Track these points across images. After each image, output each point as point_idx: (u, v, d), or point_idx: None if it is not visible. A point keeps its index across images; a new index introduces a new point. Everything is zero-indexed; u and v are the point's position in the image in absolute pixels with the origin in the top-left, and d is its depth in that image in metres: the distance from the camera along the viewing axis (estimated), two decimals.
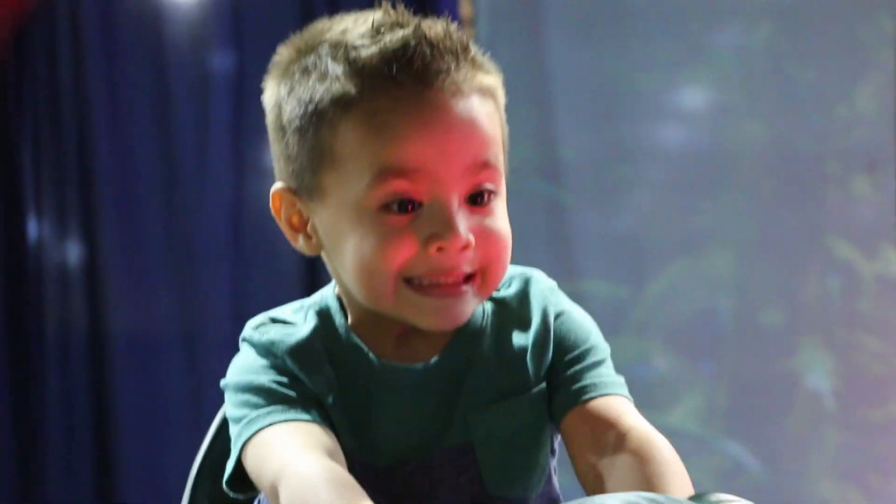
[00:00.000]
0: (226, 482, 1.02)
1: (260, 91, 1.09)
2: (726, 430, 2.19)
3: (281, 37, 1.86)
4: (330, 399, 1.02)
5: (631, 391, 0.97)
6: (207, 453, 1.23)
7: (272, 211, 1.05)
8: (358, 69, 0.95)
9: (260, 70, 1.94)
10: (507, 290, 1.07)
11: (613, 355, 1.03)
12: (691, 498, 0.84)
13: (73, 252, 2.26)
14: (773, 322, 2.17)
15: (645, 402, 1.01)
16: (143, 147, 2.24)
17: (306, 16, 2.24)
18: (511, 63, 1.90)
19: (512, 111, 1.02)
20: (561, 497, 1.09)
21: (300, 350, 1.04)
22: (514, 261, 1.05)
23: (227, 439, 1.08)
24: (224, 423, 1.14)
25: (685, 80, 2.24)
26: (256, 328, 1.07)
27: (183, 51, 2.28)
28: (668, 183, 2.22)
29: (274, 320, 1.08)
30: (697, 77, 2.24)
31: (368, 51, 0.95)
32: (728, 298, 2.17)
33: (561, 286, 1.07)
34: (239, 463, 1.01)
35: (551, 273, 1.12)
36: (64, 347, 2.34)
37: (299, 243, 1.06)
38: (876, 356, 2.02)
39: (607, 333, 1.04)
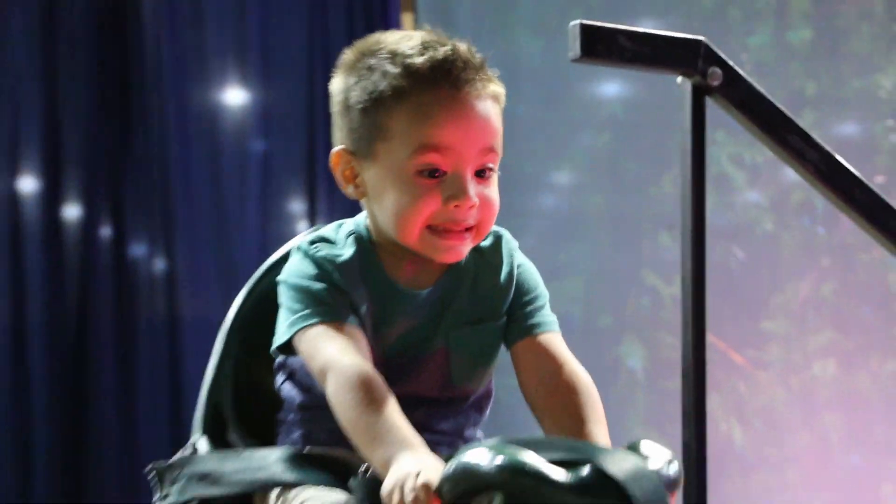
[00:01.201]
0: (277, 347, 1.26)
1: (284, 165, 2.01)
2: None
3: (297, 129, 3.08)
4: (363, 309, 1.21)
5: None
6: (236, 317, 1.49)
7: (331, 164, 1.28)
8: (411, 72, 1.17)
9: (282, 153, 3.26)
10: (485, 243, 1.27)
11: None
12: (627, 446, 1.10)
13: (160, 263, 3.25)
14: (606, 324, 3.20)
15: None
16: (204, 198, 3.25)
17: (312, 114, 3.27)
18: None
19: None
20: (493, 391, 1.35)
21: (344, 268, 1.23)
22: None
23: (252, 307, 1.43)
24: (246, 299, 1.49)
25: (555, 166, 3.31)
26: (311, 244, 1.26)
27: (230, 138, 3.32)
28: (544, 231, 3.27)
29: (323, 239, 1.26)
30: (562, 165, 3.30)
31: (419, 59, 1.18)
32: (578, 308, 3.21)
33: None
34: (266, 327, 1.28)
35: None
36: (152, 333, 3.23)
37: (349, 190, 1.27)
38: (671, 347, 3.02)
39: None
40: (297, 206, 3.41)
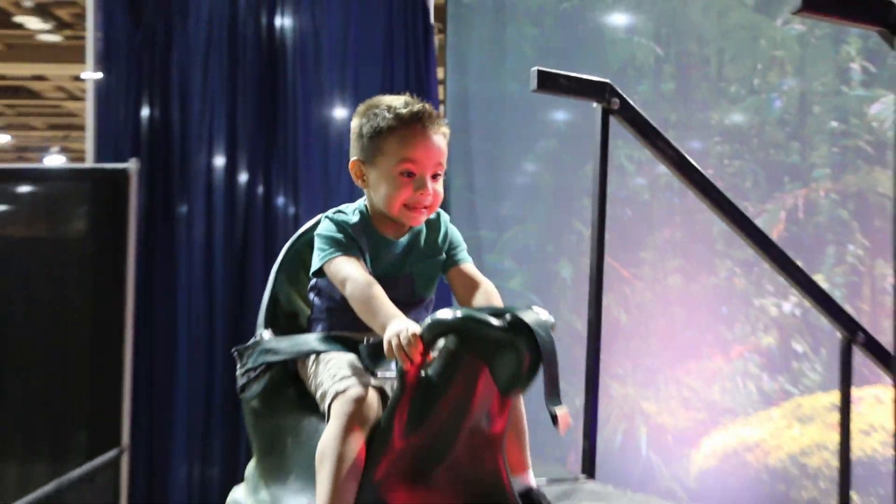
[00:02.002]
0: (312, 272, 1.92)
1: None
2: None
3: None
4: (367, 246, 1.90)
5: None
6: (282, 261, 2.12)
7: (350, 168, 1.96)
8: (399, 117, 1.84)
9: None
10: (432, 217, 1.98)
11: None
12: (516, 309, 1.61)
13: (291, 209, 5.20)
14: (550, 251, 5.26)
15: None
16: (318, 169, 5.26)
17: None
18: None
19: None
20: (434, 299, 1.99)
21: (353, 227, 1.88)
22: None
23: (295, 261, 2.08)
24: (287, 255, 2.13)
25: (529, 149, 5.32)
26: (335, 213, 1.91)
27: (335, 136, 5.30)
28: (525, 191, 5.30)
29: (340, 212, 1.92)
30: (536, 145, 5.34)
31: (403, 110, 1.84)
32: (534, 240, 5.24)
33: None
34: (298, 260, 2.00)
35: None
36: None
37: (359, 182, 1.92)
38: (587, 265, 5.06)
39: None
40: None
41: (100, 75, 4.91)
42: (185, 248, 5.06)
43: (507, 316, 1.64)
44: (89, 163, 4.97)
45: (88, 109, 4.95)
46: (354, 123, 1.98)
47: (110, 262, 4.83)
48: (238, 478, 4.90)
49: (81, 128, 14.16)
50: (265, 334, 2.10)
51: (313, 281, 2.01)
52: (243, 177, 5.10)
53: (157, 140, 5.01)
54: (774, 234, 4.98)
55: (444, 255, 2.03)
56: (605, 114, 2.93)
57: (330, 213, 1.97)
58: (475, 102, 5.20)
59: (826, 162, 5.37)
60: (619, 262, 4.99)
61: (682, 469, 5.25)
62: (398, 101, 1.94)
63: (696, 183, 3.04)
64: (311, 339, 1.97)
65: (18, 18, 9.44)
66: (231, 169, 5.07)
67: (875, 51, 5.23)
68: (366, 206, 1.97)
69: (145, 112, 5.02)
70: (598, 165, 2.98)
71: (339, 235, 1.91)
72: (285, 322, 2.14)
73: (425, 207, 1.92)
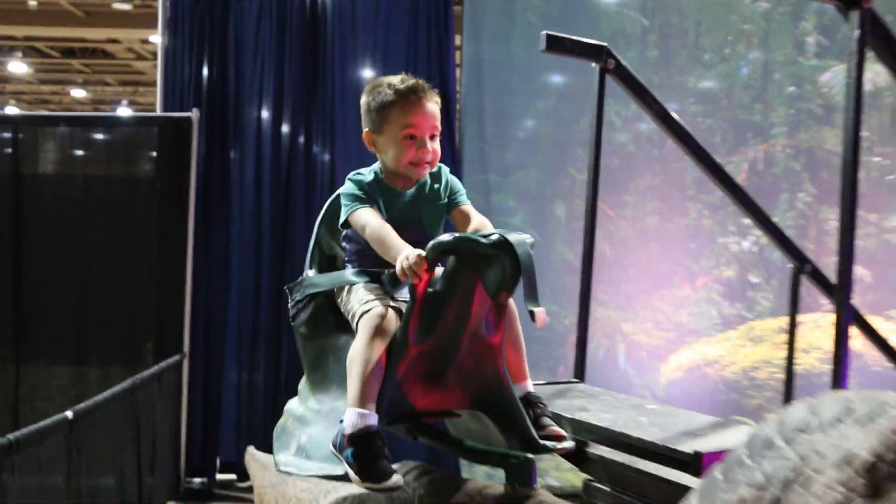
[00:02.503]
0: (340, 224, 2.12)
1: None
2: None
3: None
4: (380, 202, 2.08)
5: None
6: (323, 215, 2.30)
7: (364, 137, 2.14)
8: (397, 92, 2.05)
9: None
10: (434, 170, 2.16)
11: None
12: (500, 231, 1.79)
13: (326, 156, 5.55)
14: (548, 193, 5.65)
15: None
16: (351, 123, 5.61)
17: None
18: None
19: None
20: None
21: (369, 184, 2.10)
22: None
23: (331, 217, 2.23)
24: (326, 213, 2.29)
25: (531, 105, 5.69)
26: (354, 175, 2.12)
27: None
28: (523, 148, 5.67)
29: (359, 174, 2.13)
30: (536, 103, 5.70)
31: (402, 86, 2.06)
32: (534, 184, 5.64)
33: None
34: (333, 215, 2.16)
35: None
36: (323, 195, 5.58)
37: (371, 149, 2.12)
38: (581, 206, 5.44)
39: None
40: None
41: (167, 38, 5.19)
42: (237, 187, 5.45)
43: (493, 236, 1.82)
44: (158, 112, 5.25)
45: (158, 68, 5.27)
46: (363, 101, 2.16)
47: (175, 197, 5.21)
48: (279, 383, 5.30)
49: (148, 84, 14.98)
50: (310, 273, 2.32)
51: (344, 231, 2.20)
52: (287, 127, 5.61)
53: (215, 94, 5.42)
54: (738, 181, 5.32)
55: (446, 199, 2.20)
56: (602, 72, 3.06)
57: (350, 175, 2.17)
58: (487, 65, 5.56)
59: (783, 122, 5.77)
60: (606, 203, 5.42)
61: (653, 380, 5.69)
62: (396, 80, 2.12)
63: (676, 134, 3.25)
64: (345, 274, 2.18)
65: None
66: (277, 119, 5.50)
67: (828, 26, 5.60)
68: (379, 167, 2.16)
69: (205, 70, 5.41)
70: (595, 117, 3.11)
71: (359, 192, 2.11)
72: (325, 264, 2.36)
73: (427, 163, 2.11)
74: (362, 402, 1.89)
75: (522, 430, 1.99)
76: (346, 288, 2.11)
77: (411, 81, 2.09)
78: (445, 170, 2.21)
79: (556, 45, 2.95)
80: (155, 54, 12.32)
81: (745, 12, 5.68)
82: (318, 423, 2.16)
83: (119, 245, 5.26)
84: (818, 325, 5.49)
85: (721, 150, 5.36)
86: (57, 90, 17.27)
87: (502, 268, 1.81)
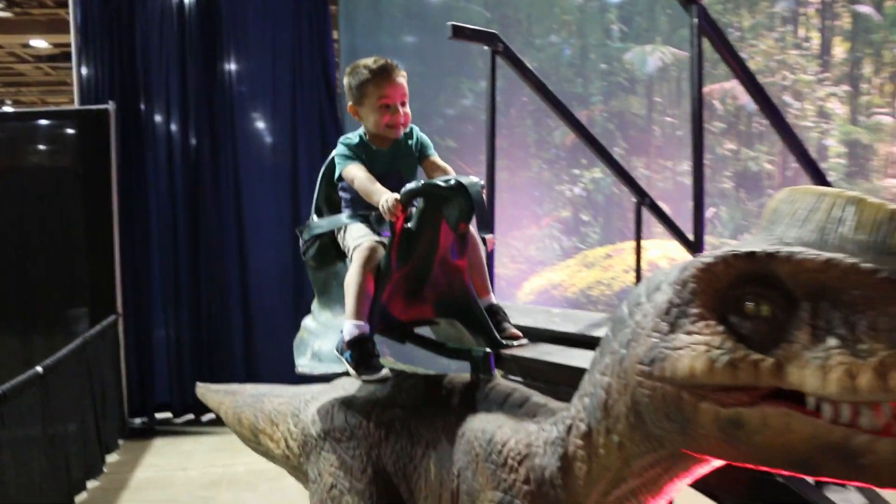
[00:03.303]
0: (336, 178, 2.33)
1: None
2: None
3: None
4: (364, 157, 2.30)
5: None
6: (324, 170, 2.46)
7: (349, 111, 2.34)
8: (371, 70, 2.25)
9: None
10: (407, 130, 2.34)
11: None
12: (457, 176, 1.99)
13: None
14: None
15: None
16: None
17: None
18: None
19: None
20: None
21: (356, 146, 2.32)
22: None
23: (329, 173, 2.42)
24: (325, 170, 2.47)
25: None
26: (344, 138, 2.34)
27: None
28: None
29: (347, 137, 2.34)
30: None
31: (374, 66, 2.26)
32: None
33: None
34: (329, 176, 2.41)
35: None
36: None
37: (356, 118, 2.31)
38: None
39: None
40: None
41: (79, 39, 5.27)
42: (152, 168, 5.63)
43: (451, 181, 1.99)
44: (77, 106, 5.27)
45: (73, 66, 5.30)
46: (345, 82, 2.36)
47: (98, 180, 5.33)
48: (200, 335, 5.48)
49: (30, 84, 14.07)
50: (314, 218, 2.51)
51: (340, 183, 2.39)
52: (192, 112, 5.98)
53: (127, 88, 5.37)
54: (568, 141, 5.90)
55: (417, 153, 2.38)
56: (493, 55, 3.24)
57: (341, 139, 2.37)
58: (361, 53, 5.80)
59: (599, 91, 6.46)
60: (464, 163, 5.78)
61: (512, 303, 6.16)
62: (370, 61, 2.30)
63: (549, 100, 3.56)
64: (341, 218, 2.38)
65: None
66: (184, 106, 5.92)
67: (626, 17, 6.26)
68: (363, 132, 2.35)
69: (116, 68, 5.34)
70: (489, 93, 3.31)
71: (348, 152, 2.31)
72: (327, 209, 2.55)
73: (401, 124, 2.29)
74: (357, 315, 2.12)
75: (488, 332, 2.20)
76: (343, 227, 2.33)
77: (382, 62, 2.26)
78: (416, 129, 2.39)
79: (459, 33, 3.14)
80: (37, 57, 11.85)
81: (564, 5, 6.32)
82: (327, 335, 2.36)
83: (51, 225, 5.35)
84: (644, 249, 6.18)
85: (554, 116, 5.87)
86: None
87: (459, 205, 2.00)
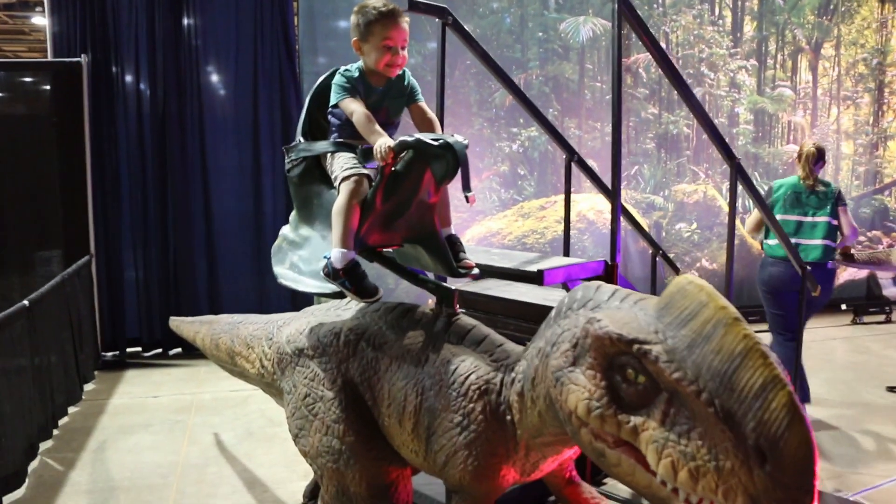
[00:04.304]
0: (331, 105, 2.33)
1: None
2: None
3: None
4: (362, 91, 2.33)
5: None
6: (312, 93, 2.51)
7: (353, 45, 2.33)
8: (379, 11, 2.28)
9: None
10: (400, 73, 2.38)
11: None
12: (446, 136, 2.07)
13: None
14: None
15: None
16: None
17: None
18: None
19: None
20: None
21: (356, 79, 2.34)
22: None
23: (318, 97, 2.48)
24: (314, 93, 2.49)
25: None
26: (344, 70, 2.36)
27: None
28: None
29: (347, 69, 2.34)
30: None
31: (383, 8, 2.29)
32: None
33: None
34: (323, 102, 2.40)
35: None
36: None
37: (358, 53, 2.33)
38: None
39: None
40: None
41: None
42: (122, 117, 5.61)
43: (440, 140, 2.08)
44: (50, 58, 5.29)
45: (46, 20, 5.27)
46: (353, 19, 2.38)
47: (71, 129, 5.41)
48: (168, 271, 5.63)
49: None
50: (301, 139, 2.54)
51: (330, 109, 2.42)
52: (160, 63, 5.99)
53: (97, 41, 5.42)
54: (507, 102, 6.14)
55: (406, 96, 2.44)
56: (444, 27, 3.43)
57: (341, 70, 2.39)
58: (318, 15, 6.30)
59: (536, 57, 6.73)
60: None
61: None
62: (379, 3, 2.34)
63: (491, 67, 3.74)
64: (329, 143, 2.41)
65: None
66: (152, 57, 5.99)
67: None
68: (361, 66, 2.39)
69: (88, 22, 5.37)
70: (439, 62, 3.48)
71: (347, 84, 2.34)
72: (313, 131, 2.59)
73: (398, 66, 2.35)
74: (345, 243, 2.22)
75: (446, 260, 2.31)
76: (330, 153, 2.39)
77: (391, 6, 2.33)
78: (408, 73, 2.45)
79: (414, 7, 3.27)
80: None
81: None
82: (305, 246, 2.49)
83: (27, 172, 5.36)
84: (574, 202, 6.54)
85: (493, 80, 6.11)
86: None
87: (446, 162, 2.10)
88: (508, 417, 1.93)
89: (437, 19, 3.38)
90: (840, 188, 4.59)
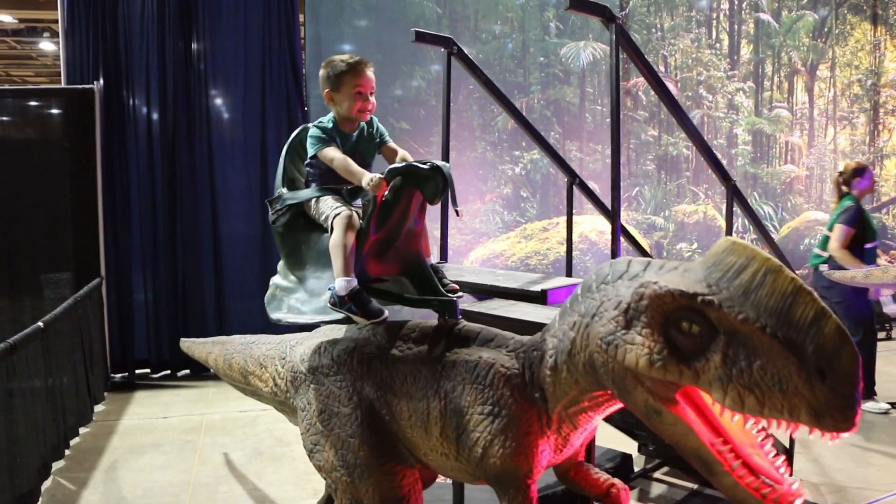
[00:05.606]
0: (309, 157, 2.52)
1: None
2: None
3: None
4: (338, 139, 2.51)
5: None
6: (288, 147, 2.65)
7: (324, 97, 2.51)
8: (348, 64, 2.50)
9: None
10: (370, 119, 2.59)
11: None
12: (432, 161, 2.25)
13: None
14: None
15: None
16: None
17: None
18: None
19: None
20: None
21: (330, 129, 2.51)
22: None
23: (294, 151, 2.67)
24: (289, 148, 2.65)
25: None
26: (318, 123, 2.54)
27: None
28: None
29: (321, 121, 2.52)
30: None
31: (351, 61, 2.50)
32: None
33: None
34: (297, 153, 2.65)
35: None
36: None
37: (330, 105, 2.51)
38: None
39: None
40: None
41: (66, 21, 5.42)
42: (133, 142, 5.69)
43: (427, 164, 2.25)
44: (64, 85, 5.43)
45: (61, 46, 5.40)
46: (322, 73, 2.57)
47: (83, 153, 5.50)
48: (176, 295, 5.68)
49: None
50: (283, 190, 2.68)
51: (308, 161, 2.59)
52: (171, 90, 6.08)
53: (110, 67, 5.55)
54: (510, 126, 6.27)
55: (378, 139, 2.62)
56: (448, 56, 3.55)
57: (315, 123, 2.55)
58: (325, 41, 6.19)
59: (537, 81, 6.86)
60: (416, 143, 6.20)
61: (462, 266, 6.49)
62: (345, 56, 2.54)
63: (495, 94, 3.83)
64: (312, 191, 2.57)
65: None
66: (163, 84, 6.05)
67: (562, 16, 6.65)
68: (333, 117, 2.56)
69: (101, 48, 5.51)
70: (444, 90, 3.59)
71: (324, 135, 2.51)
72: (289, 185, 2.72)
73: (369, 111, 2.53)
74: (346, 272, 2.32)
75: (433, 286, 2.43)
76: (315, 199, 2.52)
77: (357, 58, 2.52)
78: (375, 119, 2.63)
79: (420, 37, 3.45)
80: (2, 31, 11.64)
81: (508, 3, 6.71)
82: (300, 289, 2.56)
83: (40, 195, 5.47)
84: (576, 223, 6.62)
85: (496, 104, 6.25)
86: None
87: (436, 183, 2.26)
88: (537, 395, 2.06)
89: (442, 49, 3.49)
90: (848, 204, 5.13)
